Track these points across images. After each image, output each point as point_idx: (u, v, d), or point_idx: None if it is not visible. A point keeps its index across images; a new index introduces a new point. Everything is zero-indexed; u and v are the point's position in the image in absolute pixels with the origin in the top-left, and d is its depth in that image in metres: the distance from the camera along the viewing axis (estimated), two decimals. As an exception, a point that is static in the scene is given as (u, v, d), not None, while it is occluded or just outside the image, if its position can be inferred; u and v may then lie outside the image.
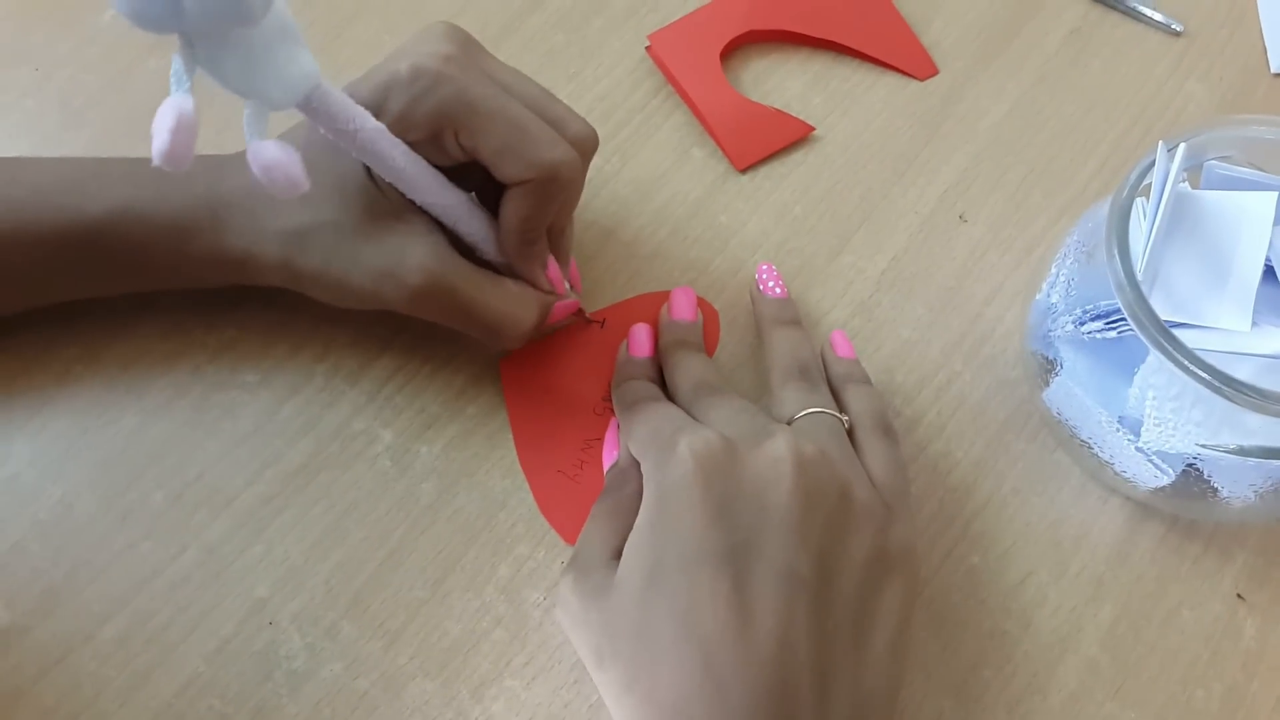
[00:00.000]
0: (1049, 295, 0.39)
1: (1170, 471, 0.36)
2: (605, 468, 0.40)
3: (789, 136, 0.48)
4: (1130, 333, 0.34)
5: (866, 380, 0.41)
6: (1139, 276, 0.33)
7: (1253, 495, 0.36)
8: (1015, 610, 0.39)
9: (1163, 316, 0.33)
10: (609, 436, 0.41)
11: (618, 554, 0.34)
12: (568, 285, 0.41)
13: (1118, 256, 0.33)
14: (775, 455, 0.33)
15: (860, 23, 0.51)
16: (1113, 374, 0.37)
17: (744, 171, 0.48)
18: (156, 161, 0.26)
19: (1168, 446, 0.35)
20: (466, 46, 0.35)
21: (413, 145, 0.34)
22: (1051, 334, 0.39)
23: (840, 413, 0.38)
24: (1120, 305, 0.33)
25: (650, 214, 0.47)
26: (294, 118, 0.33)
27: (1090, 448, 0.39)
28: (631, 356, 0.41)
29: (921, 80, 0.51)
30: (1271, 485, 0.35)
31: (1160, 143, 0.36)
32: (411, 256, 0.36)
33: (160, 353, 0.42)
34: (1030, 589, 0.39)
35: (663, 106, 0.49)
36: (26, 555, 0.38)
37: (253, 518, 0.39)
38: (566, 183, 0.36)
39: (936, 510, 0.41)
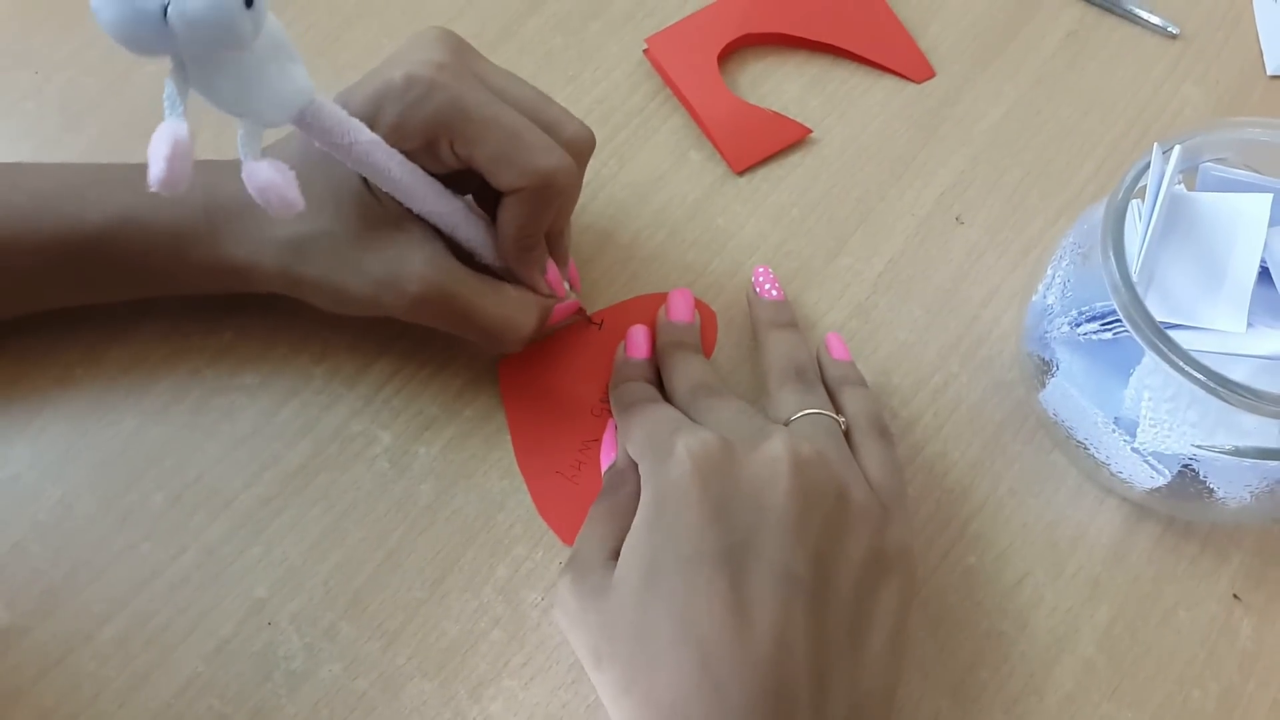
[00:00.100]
0: (1045, 297, 0.40)
1: (1166, 472, 0.36)
2: (603, 469, 0.40)
3: (786, 139, 0.48)
4: (1126, 334, 0.34)
5: (862, 382, 0.41)
6: (1134, 278, 0.34)
7: (1248, 496, 0.36)
8: (1012, 611, 0.39)
9: (1158, 318, 0.33)
10: (607, 437, 0.41)
11: (615, 555, 0.34)
12: (567, 286, 0.41)
13: (1113, 258, 0.34)
14: (772, 456, 0.33)
15: (857, 26, 0.51)
16: (1109, 375, 0.37)
17: (741, 174, 0.48)
18: (154, 188, 0.27)
19: (1163, 447, 0.35)
20: (460, 52, 0.35)
21: (408, 154, 0.34)
22: (1048, 335, 0.39)
23: (837, 414, 0.38)
24: (1116, 307, 0.33)
25: (648, 216, 0.47)
26: (289, 127, 0.33)
27: (1086, 449, 0.39)
28: (629, 358, 0.41)
29: (918, 83, 0.51)
30: (1267, 486, 0.35)
31: (1156, 145, 0.36)
32: (410, 264, 0.36)
33: (160, 355, 0.42)
34: (1027, 589, 0.40)
35: (660, 109, 0.49)
36: (26, 556, 0.38)
37: (252, 519, 0.39)
38: (563, 189, 0.36)
39: (933, 511, 0.41)
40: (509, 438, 0.41)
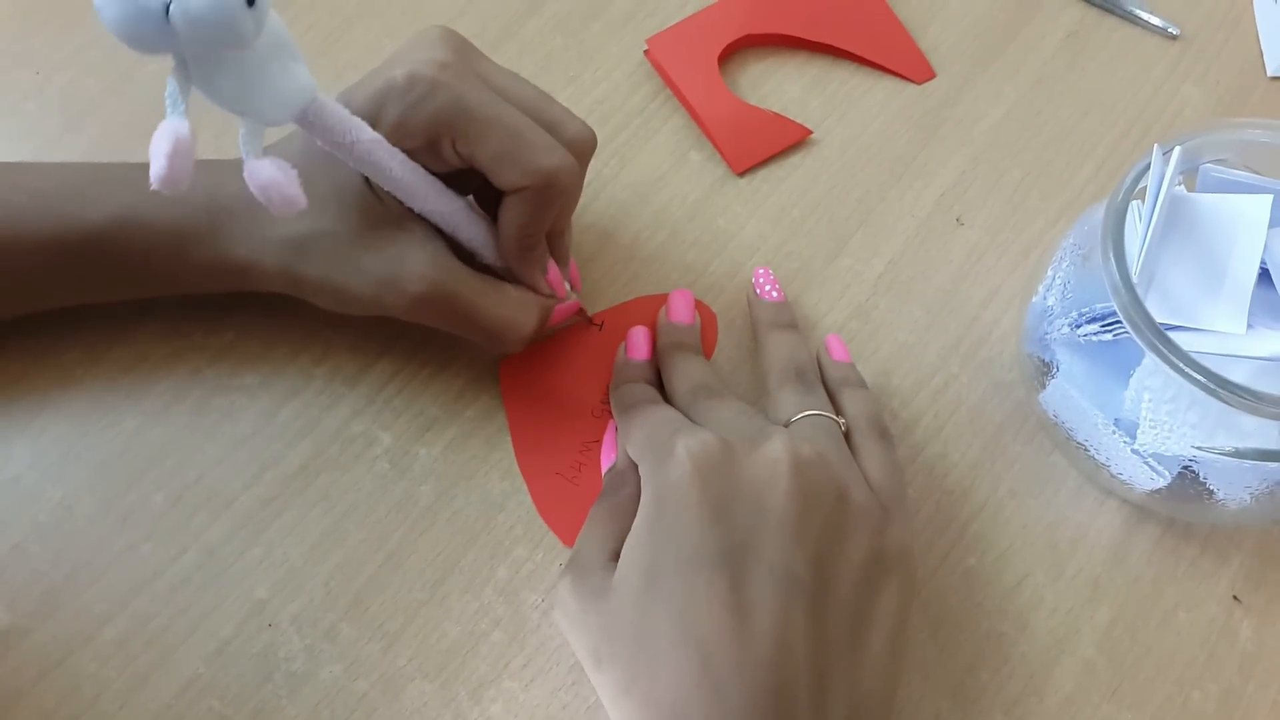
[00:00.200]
0: (1045, 298, 0.40)
1: (1166, 474, 0.36)
2: (603, 470, 0.40)
3: (787, 140, 0.48)
4: (1126, 335, 0.34)
5: (862, 384, 0.41)
6: (1134, 279, 0.34)
7: (1248, 497, 0.36)
8: (1012, 612, 0.39)
9: (1158, 319, 0.33)
10: (607, 439, 0.41)
11: (616, 556, 0.34)
12: (568, 286, 0.41)
13: (1113, 259, 0.34)
14: (772, 457, 0.33)
15: (857, 26, 0.51)
16: (1109, 376, 0.37)
17: (742, 175, 0.48)
18: (155, 185, 0.27)
19: (1164, 449, 0.35)
20: (462, 51, 0.35)
21: (410, 153, 0.34)
22: (1048, 336, 0.39)
23: (837, 416, 0.38)
24: (1116, 308, 0.33)
25: (648, 217, 0.47)
26: (291, 126, 0.33)
27: (1087, 450, 0.39)
28: (629, 359, 0.41)
29: (919, 84, 0.51)
30: (1267, 487, 0.35)
31: (1156, 146, 0.36)
32: (411, 264, 0.36)
33: (160, 356, 0.42)
34: (1027, 591, 0.40)
35: (661, 110, 0.49)
36: (27, 557, 0.38)
37: (252, 520, 0.39)
38: (564, 188, 0.36)
39: (933, 512, 0.41)
40: (509, 439, 0.41)
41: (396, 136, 0.34)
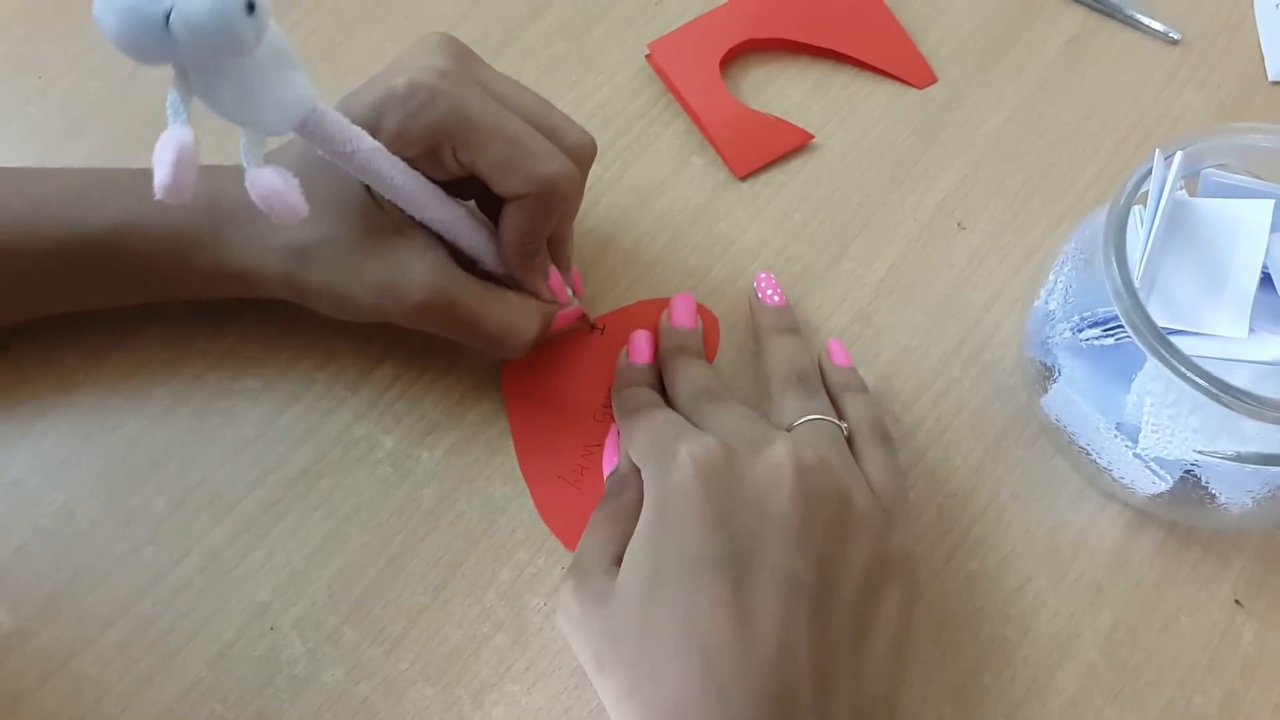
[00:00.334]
0: (1047, 302, 0.40)
1: (1168, 478, 0.36)
2: (605, 474, 0.40)
3: (788, 144, 0.48)
4: (1128, 339, 0.34)
5: (863, 388, 0.41)
6: (1136, 284, 0.34)
7: (1250, 501, 0.36)
8: (1014, 616, 0.39)
9: (1160, 323, 0.33)
10: (609, 443, 0.41)
11: (618, 560, 0.34)
12: (570, 292, 0.41)
13: (1115, 264, 0.34)
14: (775, 461, 0.33)
15: (859, 31, 0.51)
16: (1111, 380, 0.37)
17: (744, 179, 0.48)
18: (159, 195, 0.26)
19: (1165, 453, 0.35)
20: (462, 58, 0.35)
21: (410, 161, 0.34)
22: (1050, 341, 0.39)
23: (839, 420, 0.38)
24: (1118, 312, 0.33)
25: (650, 221, 0.47)
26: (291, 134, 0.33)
27: (1088, 454, 0.39)
28: (631, 363, 0.41)
29: (920, 88, 0.51)
30: (1269, 491, 0.35)
31: (1158, 150, 0.36)
32: (412, 272, 0.36)
33: (162, 360, 0.42)
34: (1029, 594, 0.40)
35: (663, 114, 0.49)
36: (29, 560, 0.38)
37: (254, 523, 0.39)
38: (565, 195, 0.36)
39: (935, 516, 0.41)
40: (512, 442, 0.41)
41: (397, 145, 0.34)
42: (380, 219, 0.36)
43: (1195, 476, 0.36)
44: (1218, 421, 0.34)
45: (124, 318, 0.42)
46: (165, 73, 0.27)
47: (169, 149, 0.26)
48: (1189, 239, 0.36)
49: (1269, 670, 0.39)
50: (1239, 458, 0.33)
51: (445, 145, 0.34)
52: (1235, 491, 0.36)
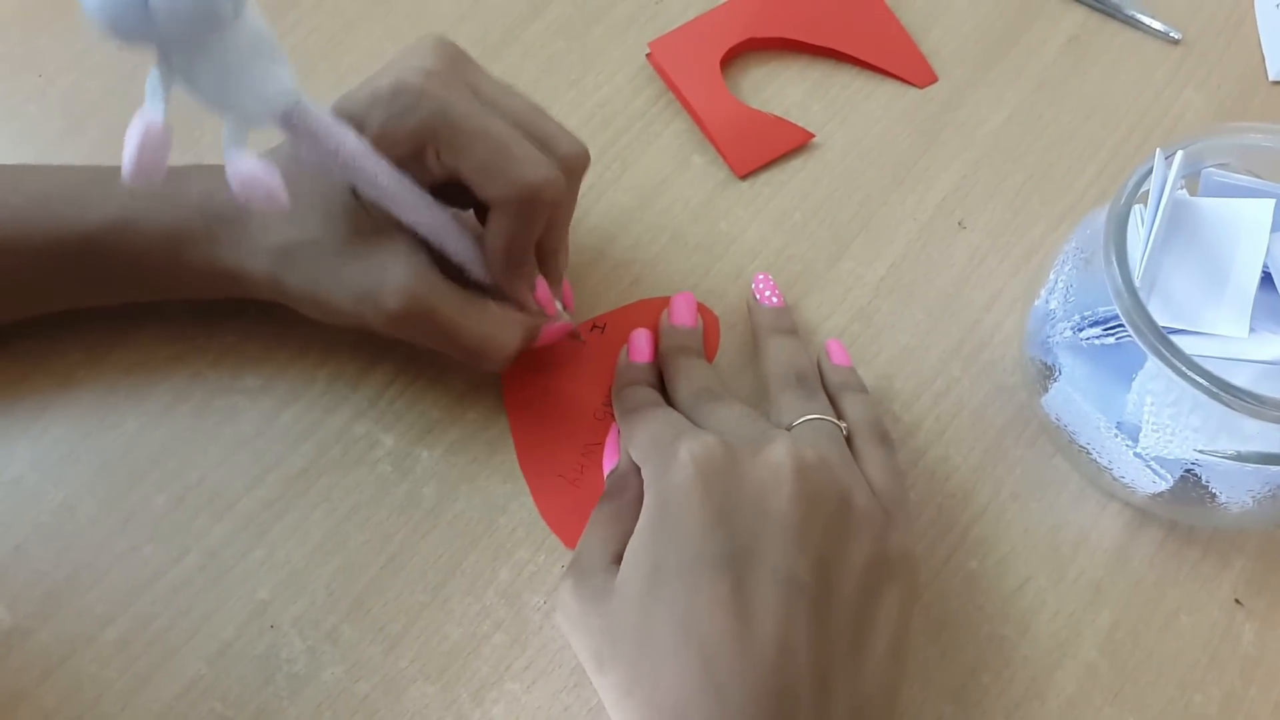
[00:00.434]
0: (1048, 301, 0.40)
1: (1168, 477, 0.36)
2: (605, 472, 0.40)
3: (789, 143, 0.48)
4: (1128, 339, 0.34)
5: (863, 388, 0.41)
6: (1137, 283, 0.34)
7: (1250, 501, 0.36)
8: (1014, 615, 0.39)
9: (1161, 323, 0.33)
10: (609, 441, 0.41)
11: (618, 558, 0.34)
12: (559, 306, 0.41)
13: (1116, 263, 0.34)
14: (775, 460, 0.33)
15: (859, 30, 0.51)
16: (1111, 380, 0.37)
17: (744, 178, 0.48)
18: (125, 179, 0.26)
19: (1166, 452, 0.35)
20: (454, 61, 0.35)
21: (396, 162, 0.34)
22: (1050, 340, 0.39)
23: (838, 420, 0.38)
24: (1118, 311, 0.33)
25: (650, 220, 0.47)
26: (280, 136, 0.33)
27: (1089, 453, 0.39)
28: (632, 362, 0.41)
29: (921, 88, 0.51)
30: (1269, 491, 0.35)
31: (1158, 150, 0.36)
32: (392, 278, 0.35)
33: (162, 358, 0.42)
34: (1029, 594, 0.40)
35: (663, 114, 0.49)
36: (28, 558, 0.38)
37: (254, 521, 0.39)
38: (550, 202, 0.35)
39: (935, 516, 0.41)
40: (511, 441, 0.41)
41: (381, 145, 0.33)
42: (365, 222, 0.36)
43: (1195, 476, 0.36)
44: (1218, 421, 0.34)
45: (124, 315, 0.42)
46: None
47: (135, 131, 0.26)
48: (1189, 238, 0.36)
49: (1269, 670, 0.39)
50: (1239, 457, 0.33)
51: (429, 147, 0.34)
52: (1235, 491, 0.36)
